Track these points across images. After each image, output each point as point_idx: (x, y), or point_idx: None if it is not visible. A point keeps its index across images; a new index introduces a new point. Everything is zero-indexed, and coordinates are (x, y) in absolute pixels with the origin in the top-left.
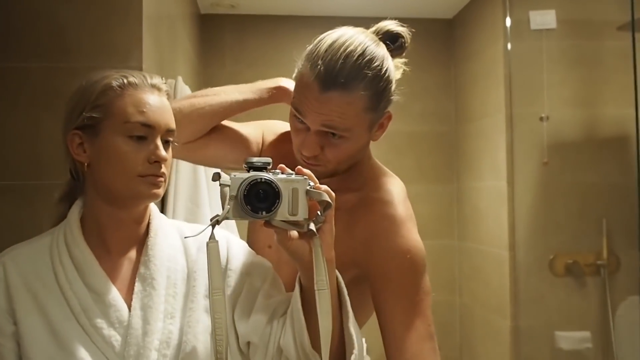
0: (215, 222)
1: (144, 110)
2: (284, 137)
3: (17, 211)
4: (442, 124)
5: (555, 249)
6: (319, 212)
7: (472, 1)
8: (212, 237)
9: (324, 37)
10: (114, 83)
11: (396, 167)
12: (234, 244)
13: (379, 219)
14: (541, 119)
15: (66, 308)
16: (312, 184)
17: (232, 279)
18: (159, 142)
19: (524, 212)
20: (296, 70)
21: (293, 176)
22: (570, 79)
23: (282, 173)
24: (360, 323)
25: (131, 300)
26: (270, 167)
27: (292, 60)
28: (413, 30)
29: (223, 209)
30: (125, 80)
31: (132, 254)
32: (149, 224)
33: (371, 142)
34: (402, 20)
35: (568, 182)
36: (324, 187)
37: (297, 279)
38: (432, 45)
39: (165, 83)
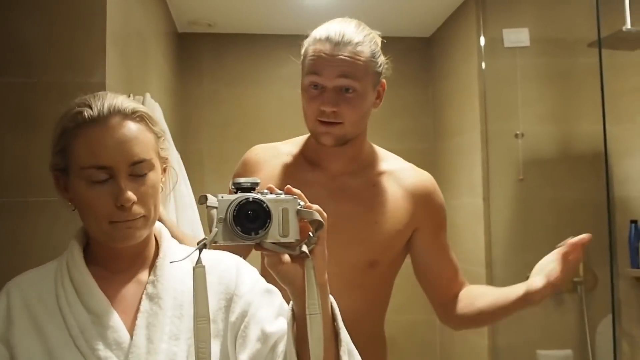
0: (203, 245)
1: (98, 151)
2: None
3: None
4: (421, 141)
5: (532, 266)
6: (310, 233)
7: (448, 20)
8: (198, 261)
9: (321, 25)
10: (70, 124)
11: None
12: (243, 269)
13: (422, 181)
14: (516, 135)
15: (64, 330)
16: (302, 203)
17: (238, 305)
18: (122, 183)
19: (501, 229)
20: (303, 51)
21: (282, 196)
22: (545, 95)
23: (271, 193)
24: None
25: (135, 320)
26: (259, 187)
27: (269, 78)
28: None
29: (210, 232)
30: (79, 118)
31: (142, 276)
32: (157, 246)
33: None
34: (381, 38)
35: (544, 199)
36: (315, 206)
37: (290, 306)
38: (410, 64)
39: (132, 100)
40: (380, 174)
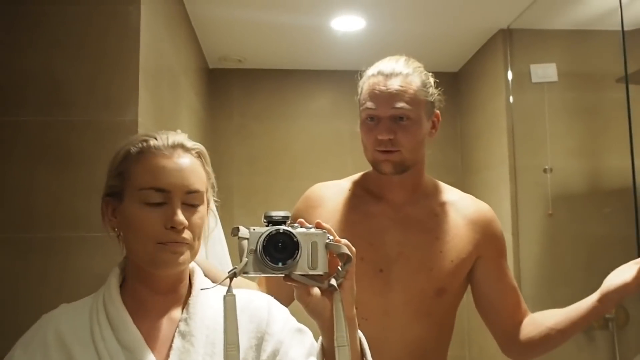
0: (233, 274)
1: (158, 175)
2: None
3: (10, 264)
4: (449, 175)
5: (562, 302)
6: (339, 267)
7: (476, 55)
8: (229, 290)
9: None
10: (132, 149)
11: None
12: (275, 307)
13: (483, 211)
14: (545, 170)
15: None
16: (331, 237)
17: (270, 343)
18: (177, 207)
19: (530, 264)
20: (360, 88)
21: (312, 230)
22: (573, 130)
23: (301, 227)
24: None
25: (168, 358)
26: (289, 221)
27: (298, 112)
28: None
29: (241, 261)
30: (144, 144)
31: (174, 314)
32: (191, 284)
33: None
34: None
35: (573, 234)
36: (344, 240)
37: (319, 341)
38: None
39: (191, 141)
40: (442, 204)
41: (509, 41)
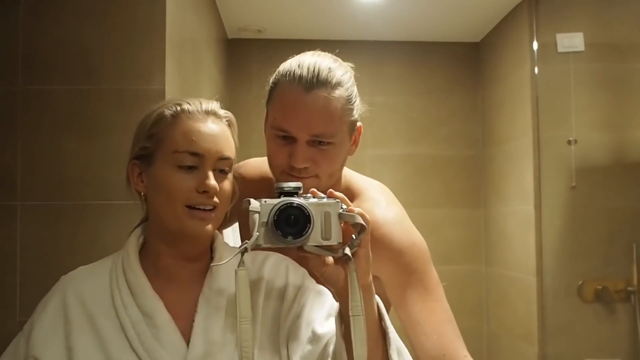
0: (244, 249)
1: (193, 138)
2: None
3: (39, 231)
4: (469, 148)
5: (583, 275)
6: (353, 236)
7: (499, 24)
8: (241, 264)
9: (292, 58)
10: (167, 112)
11: (422, 191)
12: (292, 269)
13: (379, 225)
14: (569, 142)
15: (120, 331)
16: (344, 207)
17: (287, 305)
18: (209, 171)
19: (552, 236)
20: (269, 89)
21: (325, 200)
22: (599, 102)
23: (314, 197)
24: None
25: (192, 324)
26: (302, 191)
27: None
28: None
29: (252, 235)
30: (178, 108)
31: (197, 280)
32: (212, 250)
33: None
34: (429, 44)
35: (597, 207)
36: (358, 209)
37: (337, 306)
38: (459, 69)
39: (224, 109)
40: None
41: (535, 9)
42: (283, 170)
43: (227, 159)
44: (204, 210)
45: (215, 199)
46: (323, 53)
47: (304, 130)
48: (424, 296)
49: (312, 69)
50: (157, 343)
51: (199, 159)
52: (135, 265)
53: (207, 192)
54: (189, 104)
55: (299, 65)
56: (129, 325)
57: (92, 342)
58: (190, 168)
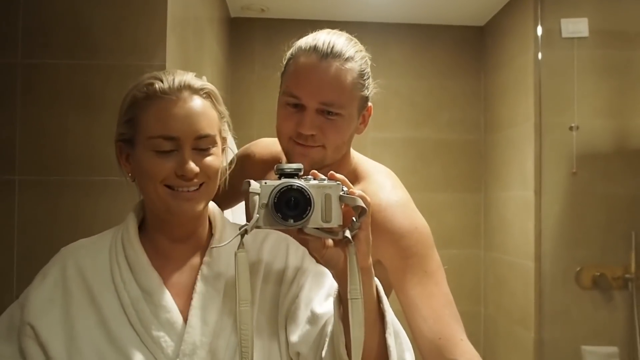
0: (244, 231)
1: (167, 122)
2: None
3: (38, 206)
4: (470, 133)
5: (582, 261)
6: (354, 219)
7: (504, 9)
8: (240, 246)
9: (312, 33)
10: (139, 95)
11: (423, 175)
12: (293, 249)
13: (382, 208)
14: (571, 128)
15: (119, 306)
16: (345, 189)
17: (286, 287)
18: (187, 154)
19: (551, 222)
20: (285, 62)
21: (325, 182)
22: (602, 88)
23: (315, 179)
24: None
25: (190, 301)
26: (302, 173)
27: None
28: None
29: (252, 217)
30: (149, 89)
31: (195, 259)
32: (211, 227)
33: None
34: (433, 27)
35: (597, 193)
36: (359, 192)
37: (336, 287)
38: (462, 53)
39: (200, 78)
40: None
41: None
42: (290, 137)
43: (206, 136)
44: (188, 191)
45: (197, 179)
46: (340, 32)
47: (314, 97)
48: (424, 280)
49: (328, 42)
50: (155, 320)
51: (175, 142)
52: (135, 242)
53: (185, 175)
54: (162, 80)
55: (314, 39)
56: (128, 302)
57: (93, 317)
58: (169, 152)
